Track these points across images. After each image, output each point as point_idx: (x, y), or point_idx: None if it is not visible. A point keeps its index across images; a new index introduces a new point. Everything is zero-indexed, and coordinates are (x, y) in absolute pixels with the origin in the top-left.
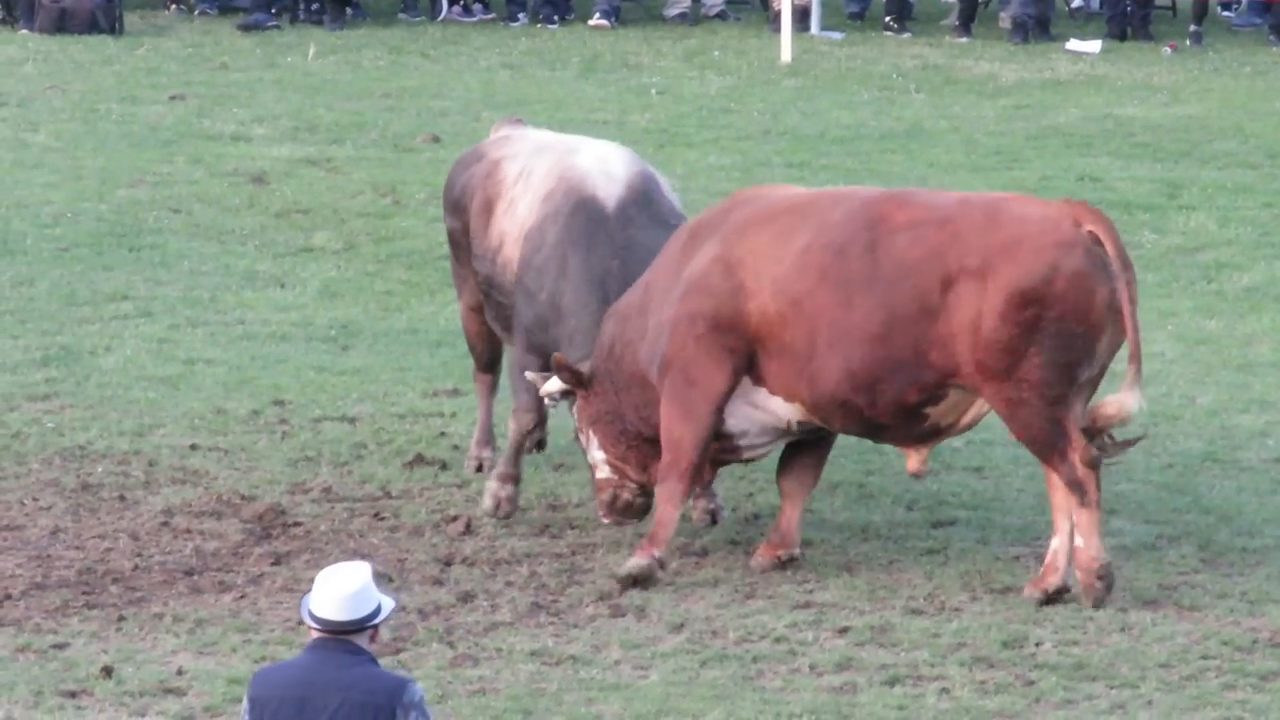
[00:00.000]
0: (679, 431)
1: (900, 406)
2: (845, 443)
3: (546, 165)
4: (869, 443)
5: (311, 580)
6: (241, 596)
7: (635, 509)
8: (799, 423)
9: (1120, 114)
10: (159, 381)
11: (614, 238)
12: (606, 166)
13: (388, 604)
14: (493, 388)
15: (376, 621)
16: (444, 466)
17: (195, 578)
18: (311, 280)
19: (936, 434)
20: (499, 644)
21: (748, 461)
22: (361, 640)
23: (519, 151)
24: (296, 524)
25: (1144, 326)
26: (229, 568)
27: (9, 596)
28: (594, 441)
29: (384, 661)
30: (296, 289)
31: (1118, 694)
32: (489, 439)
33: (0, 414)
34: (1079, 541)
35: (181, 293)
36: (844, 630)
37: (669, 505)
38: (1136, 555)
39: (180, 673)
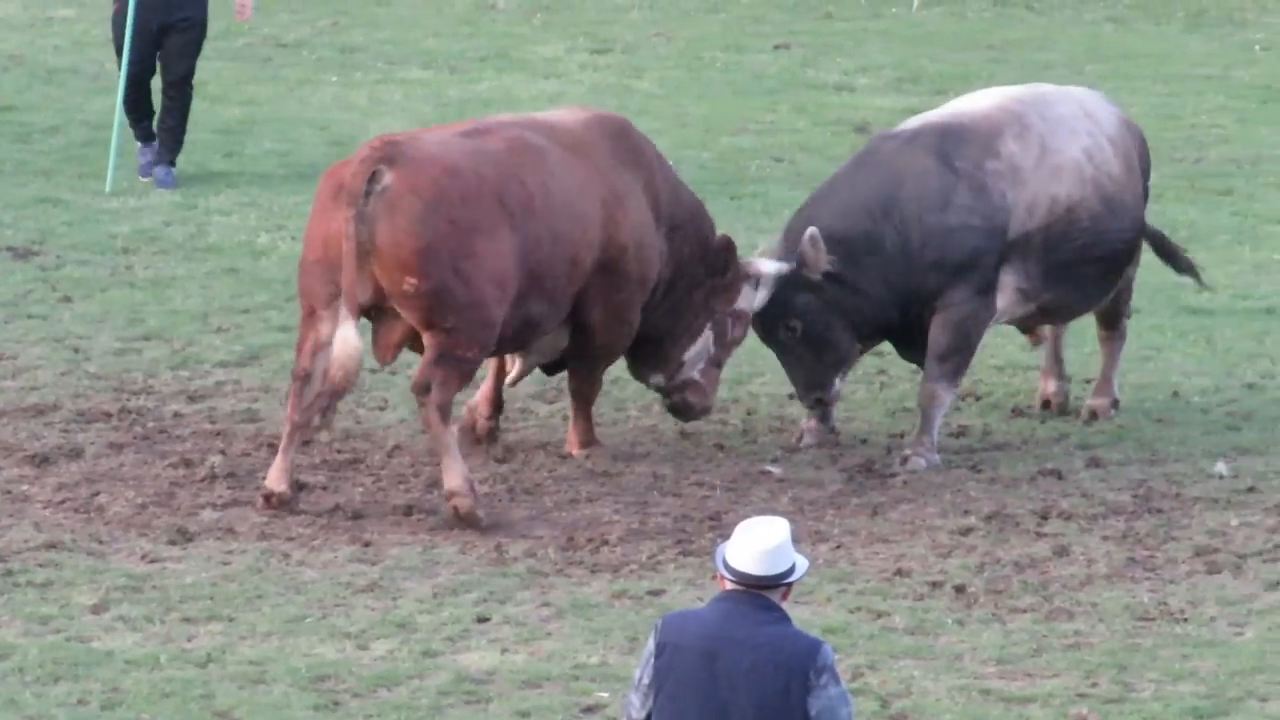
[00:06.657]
0: None
1: None
2: None
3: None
4: None
5: (908, 530)
6: (838, 546)
7: None
8: None
9: None
10: None
11: None
12: None
13: (802, 563)
14: None
15: (791, 580)
16: (1043, 421)
17: (791, 527)
18: None
19: None
20: (1094, 598)
21: None
22: (774, 596)
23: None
24: (892, 475)
25: None
26: (825, 517)
27: (605, 542)
28: None
29: (977, 613)
30: None
31: None
32: None
33: None
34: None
35: None
36: None
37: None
38: None
39: None
